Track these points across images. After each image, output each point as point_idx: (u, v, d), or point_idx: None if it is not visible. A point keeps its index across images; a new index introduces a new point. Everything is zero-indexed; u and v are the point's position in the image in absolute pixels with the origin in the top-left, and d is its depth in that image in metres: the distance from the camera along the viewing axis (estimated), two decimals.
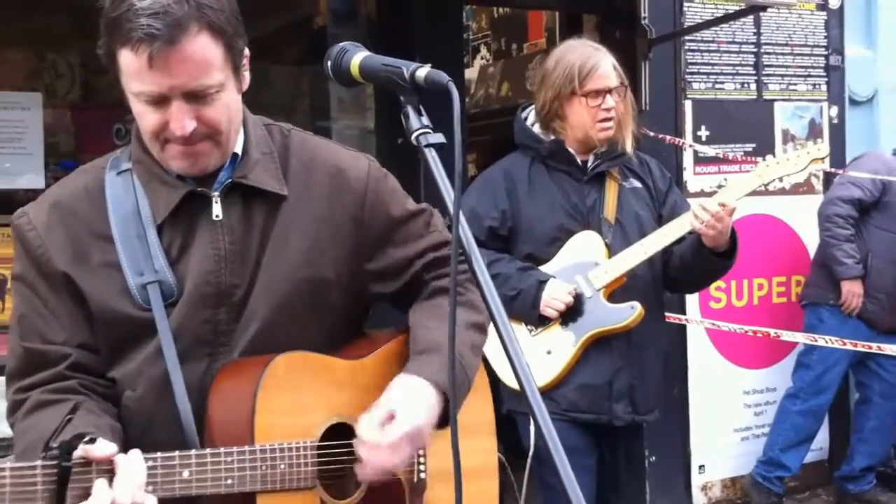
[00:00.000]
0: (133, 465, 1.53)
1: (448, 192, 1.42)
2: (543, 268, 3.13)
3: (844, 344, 4.60)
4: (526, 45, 6.80)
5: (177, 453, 1.60)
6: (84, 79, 5.22)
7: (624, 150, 3.16)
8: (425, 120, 1.47)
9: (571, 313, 3.09)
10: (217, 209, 1.74)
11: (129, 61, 1.59)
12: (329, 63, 1.59)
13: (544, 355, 3.09)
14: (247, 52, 1.72)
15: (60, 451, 1.47)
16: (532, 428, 3.05)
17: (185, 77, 1.60)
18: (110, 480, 1.50)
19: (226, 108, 1.67)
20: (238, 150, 1.77)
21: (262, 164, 1.78)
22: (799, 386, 5.02)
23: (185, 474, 1.58)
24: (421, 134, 1.46)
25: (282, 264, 1.76)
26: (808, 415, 4.99)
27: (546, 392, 3.06)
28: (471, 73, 7.15)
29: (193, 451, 1.61)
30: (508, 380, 3.11)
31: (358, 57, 1.57)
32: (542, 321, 3.10)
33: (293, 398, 1.72)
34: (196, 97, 1.62)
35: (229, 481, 1.61)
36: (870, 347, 4.70)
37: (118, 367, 1.75)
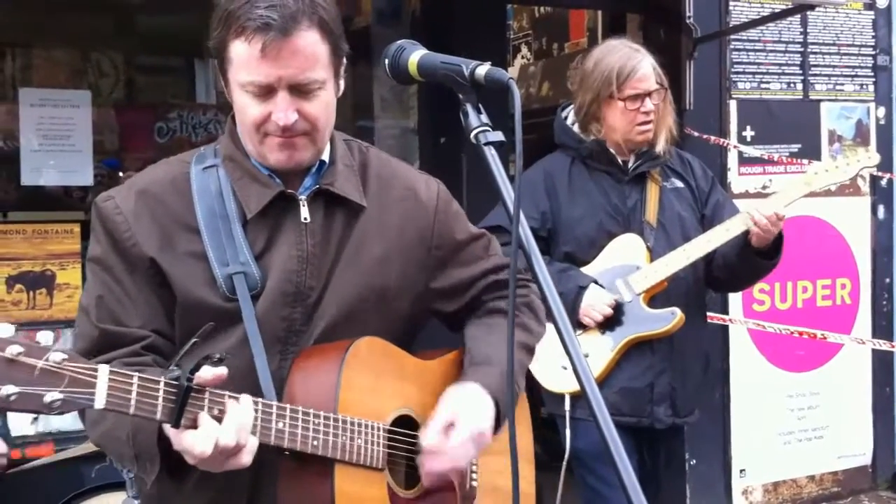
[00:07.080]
0: (242, 407, 1.57)
1: (507, 191, 1.42)
2: (584, 270, 3.10)
3: (893, 346, 4.52)
4: (567, 44, 6.74)
5: (275, 404, 1.64)
6: (127, 78, 5.29)
7: (654, 149, 3.12)
8: (484, 118, 1.48)
9: (611, 318, 3.06)
10: (305, 212, 1.79)
11: (241, 51, 1.66)
12: (387, 61, 1.61)
13: None
14: (345, 60, 1.78)
15: (182, 371, 1.51)
16: (567, 431, 3.05)
17: (294, 69, 1.66)
18: (217, 420, 1.53)
19: (325, 107, 1.74)
20: (325, 158, 1.83)
21: (345, 175, 1.85)
22: None
23: (280, 425, 1.63)
24: (480, 132, 1.46)
25: (354, 271, 1.81)
26: None
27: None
28: (511, 73, 7.11)
29: (288, 406, 1.66)
30: (549, 384, 3.11)
31: (416, 55, 1.58)
32: (579, 325, 3.07)
33: (372, 380, 1.77)
34: (300, 91, 1.69)
35: (315, 443, 1.66)
36: None
37: (195, 357, 1.75)
